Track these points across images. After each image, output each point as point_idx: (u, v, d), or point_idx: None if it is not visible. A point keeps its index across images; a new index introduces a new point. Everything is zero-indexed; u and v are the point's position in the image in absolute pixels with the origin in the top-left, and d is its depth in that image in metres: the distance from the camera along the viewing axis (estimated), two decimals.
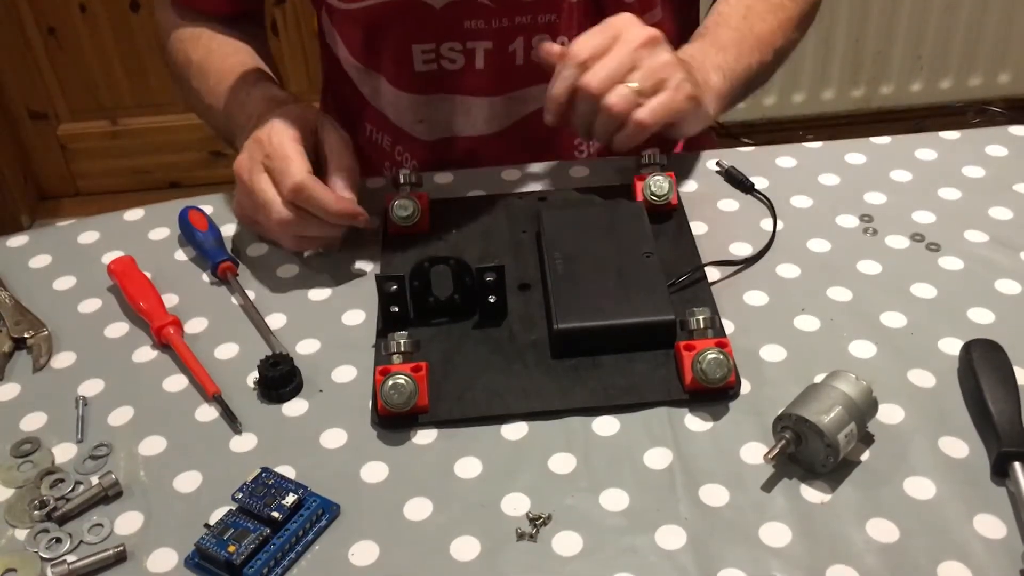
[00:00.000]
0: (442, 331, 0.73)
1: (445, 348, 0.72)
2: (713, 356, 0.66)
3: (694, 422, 0.66)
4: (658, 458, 0.64)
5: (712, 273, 0.78)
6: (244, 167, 0.80)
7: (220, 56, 0.93)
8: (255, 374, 0.71)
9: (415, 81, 0.96)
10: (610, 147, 0.81)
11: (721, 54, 0.87)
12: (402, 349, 0.67)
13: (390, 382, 0.66)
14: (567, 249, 0.76)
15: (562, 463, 0.64)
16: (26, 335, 0.76)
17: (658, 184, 0.81)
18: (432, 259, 0.73)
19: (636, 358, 0.70)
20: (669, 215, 0.82)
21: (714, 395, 0.67)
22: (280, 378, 0.70)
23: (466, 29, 0.91)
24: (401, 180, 0.82)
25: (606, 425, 0.66)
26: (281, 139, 0.78)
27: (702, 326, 0.67)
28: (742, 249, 0.80)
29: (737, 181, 0.87)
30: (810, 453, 0.62)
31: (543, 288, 0.75)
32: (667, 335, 0.70)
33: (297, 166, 0.77)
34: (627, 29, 0.80)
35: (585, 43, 0.80)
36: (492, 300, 0.73)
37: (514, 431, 0.66)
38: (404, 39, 0.93)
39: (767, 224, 0.83)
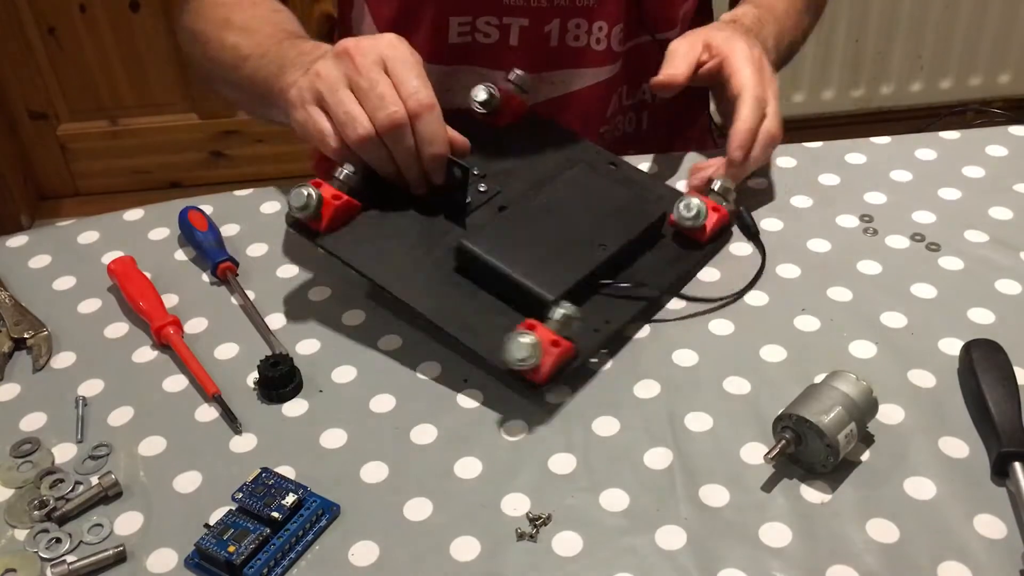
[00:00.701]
0: (406, 202, 0.76)
1: (389, 212, 0.75)
2: (525, 340, 0.65)
3: (694, 422, 0.66)
4: (658, 458, 0.64)
5: (711, 273, 0.78)
6: (354, 55, 0.72)
7: (273, 19, 0.89)
8: (255, 374, 0.71)
9: (447, 53, 0.96)
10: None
11: (774, 26, 0.92)
12: (341, 177, 0.72)
13: (300, 189, 0.71)
14: (554, 201, 0.77)
15: (562, 463, 0.64)
16: (26, 335, 0.76)
17: (690, 207, 0.77)
18: None
19: (502, 310, 0.71)
20: (699, 246, 0.78)
21: (516, 376, 0.67)
22: (280, 378, 0.70)
23: (505, 5, 0.92)
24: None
25: (606, 425, 0.66)
26: (404, 47, 0.74)
27: (558, 320, 0.67)
28: (742, 249, 0.80)
29: (743, 225, 0.82)
30: (810, 453, 0.62)
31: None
32: (538, 309, 0.69)
33: (424, 79, 0.73)
34: (761, 59, 0.84)
35: (754, 80, 0.82)
36: (449, 194, 0.76)
37: (514, 430, 0.67)
38: (442, 11, 0.94)
39: (768, 224, 0.83)
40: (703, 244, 0.78)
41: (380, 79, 0.71)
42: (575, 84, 0.97)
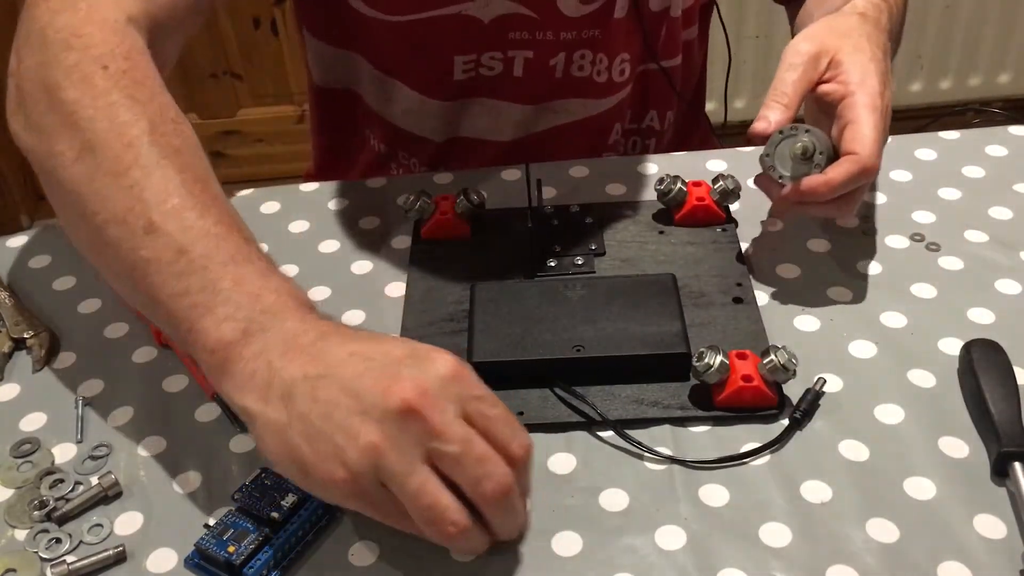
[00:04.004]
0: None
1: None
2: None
3: (694, 422, 0.66)
4: (658, 458, 0.64)
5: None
6: (427, 413, 0.52)
7: (181, 150, 0.63)
8: None
9: (452, 89, 0.95)
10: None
11: (888, 12, 0.84)
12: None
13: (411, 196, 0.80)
14: (599, 291, 0.72)
15: (562, 463, 0.64)
16: (26, 335, 0.76)
17: (702, 358, 0.66)
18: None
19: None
20: (707, 406, 0.67)
21: None
22: None
23: (510, 40, 0.91)
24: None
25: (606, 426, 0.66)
26: (474, 379, 0.56)
27: None
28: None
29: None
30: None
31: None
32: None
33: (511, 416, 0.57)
34: (887, 104, 0.76)
35: (873, 142, 0.72)
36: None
37: None
38: (447, 51, 0.92)
39: (768, 224, 0.83)
40: (712, 406, 0.67)
41: (471, 438, 0.53)
42: (577, 113, 0.96)
